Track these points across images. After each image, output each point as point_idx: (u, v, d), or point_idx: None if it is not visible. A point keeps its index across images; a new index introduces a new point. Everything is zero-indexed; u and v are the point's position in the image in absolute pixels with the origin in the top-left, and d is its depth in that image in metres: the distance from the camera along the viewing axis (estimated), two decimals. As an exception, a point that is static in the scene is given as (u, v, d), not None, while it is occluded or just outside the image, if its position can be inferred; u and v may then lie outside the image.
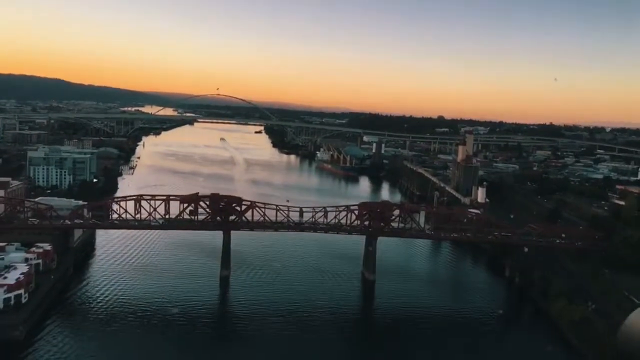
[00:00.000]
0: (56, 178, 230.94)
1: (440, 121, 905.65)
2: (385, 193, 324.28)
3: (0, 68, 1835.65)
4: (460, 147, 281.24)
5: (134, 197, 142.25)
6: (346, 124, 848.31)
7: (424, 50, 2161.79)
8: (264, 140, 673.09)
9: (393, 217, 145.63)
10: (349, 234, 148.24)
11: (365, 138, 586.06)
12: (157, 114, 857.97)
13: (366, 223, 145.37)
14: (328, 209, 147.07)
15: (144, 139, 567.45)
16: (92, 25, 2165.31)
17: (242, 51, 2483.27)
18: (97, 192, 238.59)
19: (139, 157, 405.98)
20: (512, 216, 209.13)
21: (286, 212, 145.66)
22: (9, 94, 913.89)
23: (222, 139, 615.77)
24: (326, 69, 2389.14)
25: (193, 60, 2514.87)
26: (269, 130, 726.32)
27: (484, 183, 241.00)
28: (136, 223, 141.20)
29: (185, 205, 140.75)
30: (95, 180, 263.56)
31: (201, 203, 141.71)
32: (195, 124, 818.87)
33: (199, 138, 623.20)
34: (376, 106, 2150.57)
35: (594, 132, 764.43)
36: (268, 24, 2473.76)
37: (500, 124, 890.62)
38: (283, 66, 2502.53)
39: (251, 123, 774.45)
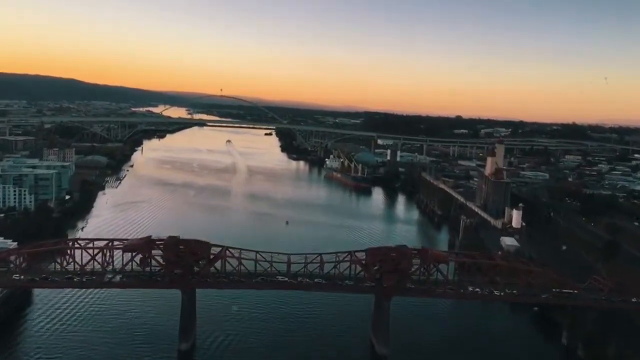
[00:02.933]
0: (14, 198, 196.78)
1: (458, 121, 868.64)
2: (400, 209, 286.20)
3: (15, 68, 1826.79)
4: (489, 159, 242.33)
5: (64, 242, 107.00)
6: (360, 125, 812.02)
7: (440, 47, 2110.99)
8: (273, 143, 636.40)
9: (413, 268, 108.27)
10: (354, 293, 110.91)
11: (379, 141, 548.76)
12: (164, 113, 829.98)
13: (376, 274, 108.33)
14: (325, 256, 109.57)
15: (146, 143, 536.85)
16: (106, 25, 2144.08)
17: (256, 50, 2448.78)
18: (65, 212, 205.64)
19: (132, 165, 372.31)
20: (564, 247, 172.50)
21: (269, 260, 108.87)
22: (22, 94, 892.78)
23: (228, 141, 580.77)
24: (341, 68, 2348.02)
25: (208, 59, 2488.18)
26: (279, 132, 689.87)
27: (520, 205, 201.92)
28: (66, 278, 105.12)
29: (134, 253, 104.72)
30: (67, 197, 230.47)
31: (156, 250, 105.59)
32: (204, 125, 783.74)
33: (204, 141, 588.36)
34: (391, 105, 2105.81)
35: (622, 134, 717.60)
36: (282, 23, 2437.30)
37: (521, 123, 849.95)
38: (297, 65, 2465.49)
39: (258, 126, 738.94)
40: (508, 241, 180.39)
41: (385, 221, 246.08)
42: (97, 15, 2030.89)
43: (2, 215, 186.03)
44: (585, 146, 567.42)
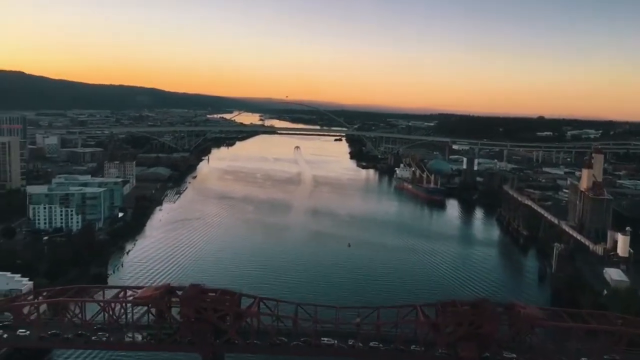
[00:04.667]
0: (61, 219, 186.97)
1: (541, 122, 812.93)
2: (478, 227, 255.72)
3: (101, 79, 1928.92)
4: (585, 171, 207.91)
5: (68, 293, 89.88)
6: (434, 127, 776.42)
7: (518, 42, 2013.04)
8: (343, 149, 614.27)
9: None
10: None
11: (454, 146, 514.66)
12: (236, 119, 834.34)
13: (450, 338, 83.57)
14: (382, 311, 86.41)
15: (214, 151, 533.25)
16: (187, 35, 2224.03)
17: (329, 53, 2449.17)
18: (114, 233, 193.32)
19: (195, 177, 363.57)
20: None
21: (313, 313, 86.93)
22: (106, 104, 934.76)
23: (296, 147, 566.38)
24: (414, 67, 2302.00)
25: (281, 64, 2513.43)
26: (349, 138, 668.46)
27: (627, 229, 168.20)
28: (77, 335, 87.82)
29: (147, 307, 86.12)
30: (121, 214, 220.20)
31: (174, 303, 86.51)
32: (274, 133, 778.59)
33: (272, 149, 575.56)
34: (466, 105, 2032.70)
35: None
36: (356, 25, 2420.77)
37: (611, 123, 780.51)
38: (370, 67, 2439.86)
39: (326, 133, 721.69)
40: (614, 275, 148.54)
41: (461, 243, 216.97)
42: (178, 29, 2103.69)
43: (45, 238, 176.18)
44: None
